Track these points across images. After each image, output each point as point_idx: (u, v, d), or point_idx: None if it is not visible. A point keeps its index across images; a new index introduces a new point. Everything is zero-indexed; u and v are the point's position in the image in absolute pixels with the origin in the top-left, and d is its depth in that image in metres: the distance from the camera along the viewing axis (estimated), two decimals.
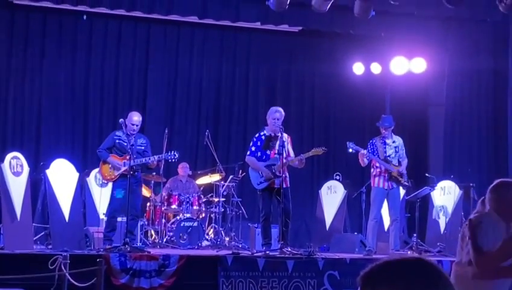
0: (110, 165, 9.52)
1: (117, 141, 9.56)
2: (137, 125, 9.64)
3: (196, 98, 13.36)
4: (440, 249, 10.21)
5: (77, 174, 9.61)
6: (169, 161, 9.89)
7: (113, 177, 9.53)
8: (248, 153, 9.60)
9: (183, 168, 11.88)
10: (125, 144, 9.41)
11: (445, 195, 10.94)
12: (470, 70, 12.87)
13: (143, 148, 9.68)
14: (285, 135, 9.47)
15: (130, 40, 13.04)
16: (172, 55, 13.28)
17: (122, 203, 9.36)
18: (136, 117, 9.69)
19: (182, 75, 13.31)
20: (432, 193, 10.92)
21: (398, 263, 1.77)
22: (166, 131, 10.49)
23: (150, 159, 9.48)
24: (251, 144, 9.62)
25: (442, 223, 10.78)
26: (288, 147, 9.55)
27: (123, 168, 9.37)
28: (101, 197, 10.77)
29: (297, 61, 13.80)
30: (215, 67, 13.50)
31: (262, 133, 9.59)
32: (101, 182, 10.76)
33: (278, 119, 9.41)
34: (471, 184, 11.14)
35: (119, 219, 9.71)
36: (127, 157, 9.29)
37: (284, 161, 9.15)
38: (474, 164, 12.71)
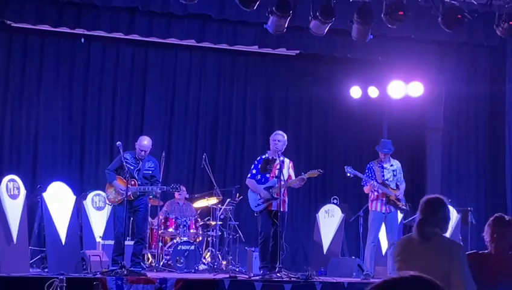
0: (114, 189, 9.57)
1: (124, 163, 9.59)
2: (145, 151, 9.69)
3: (193, 121, 13.41)
4: None
5: (74, 198, 9.64)
6: (172, 191, 9.96)
7: (116, 201, 9.59)
8: (249, 175, 9.74)
9: (180, 192, 11.90)
10: (132, 168, 9.43)
11: None
12: (467, 95, 12.95)
13: (150, 172, 9.72)
14: (286, 160, 9.60)
15: (127, 63, 13.12)
16: (169, 79, 13.36)
17: (127, 226, 9.41)
18: (145, 142, 9.74)
19: (179, 98, 13.37)
20: None
21: (396, 282, 1.76)
22: (164, 154, 10.54)
23: (153, 189, 9.49)
24: (252, 167, 9.75)
25: None
26: (290, 171, 9.67)
27: (122, 192, 9.39)
28: (98, 220, 10.79)
29: (294, 84, 13.87)
30: (213, 90, 13.57)
31: (263, 157, 9.73)
32: (98, 205, 10.79)
33: (278, 141, 9.54)
34: (469, 208, 11.19)
35: (126, 242, 9.73)
36: (132, 182, 9.34)
37: (282, 183, 9.21)
38: (472, 188, 12.76)
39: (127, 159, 9.60)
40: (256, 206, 9.48)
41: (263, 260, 9.47)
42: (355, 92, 13.33)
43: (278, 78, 13.88)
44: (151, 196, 10.60)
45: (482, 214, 11.82)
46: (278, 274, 8.85)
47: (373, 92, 13.27)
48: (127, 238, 10.05)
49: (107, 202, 10.07)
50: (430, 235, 4.35)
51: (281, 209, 9.26)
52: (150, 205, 11.16)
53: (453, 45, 12.62)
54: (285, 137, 9.71)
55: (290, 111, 13.96)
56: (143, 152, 9.66)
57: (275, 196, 9.33)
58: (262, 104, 13.85)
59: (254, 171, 9.65)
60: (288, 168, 9.58)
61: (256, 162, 9.72)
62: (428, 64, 12.92)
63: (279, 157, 9.39)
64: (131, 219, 10.29)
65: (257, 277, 8.82)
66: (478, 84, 12.84)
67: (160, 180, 10.23)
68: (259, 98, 13.84)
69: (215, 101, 13.60)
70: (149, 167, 9.74)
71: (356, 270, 10.10)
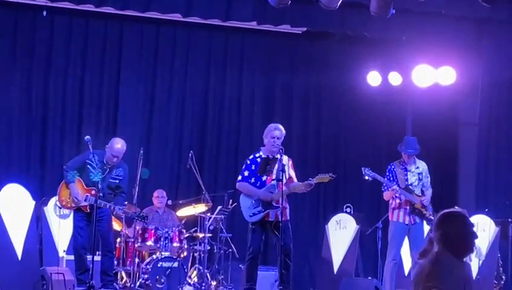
0: (70, 192, 9.49)
1: (88, 165, 9.52)
2: (118, 158, 9.60)
3: (178, 112, 13.39)
4: None
5: (33, 203, 9.63)
6: (137, 220, 9.90)
7: (69, 206, 9.54)
8: (239, 178, 9.62)
9: (158, 198, 11.90)
10: (95, 173, 9.32)
11: (478, 232, 10.90)
12: (508, 83, 12.93)
13: (117, 181, 9.63)
14: (285, 158, 9.49)
15: (98, 42, 13.08)
16: (149, 61, 13.32)
17: (89, 236, 9.34)
18: (118, 145, 9.63)
19: (161, 85, 13.34)
20: None
21: None
22: (142, 152, 10.50)
23: (114, 208, 9.38)
24: (243, 168, 9.65)
25: (475, 266, 10.78)
26: (290, 171, 9.57)
27: (82, 204, 9.33)
28: (62, 231, 10.74)
29: (300, 69, 13.85)
30: (201, 75, 13.54)
31: (257, 155, 9.62)
32: (61, 213, 10.74)
33: (277, 138, 9.44)
34: (509, 219, 11.18)
35: (89, 257, 9.66)
36: (92, 191, 9.30)
37: (284, 188, 9.17)
38: None
39: (92, 162, 9.49)
40: (251, 216, 9.40)
41: (249, 281, 9.42)
42: (373, 78, 13.32)
43: (280, 61, 13.86)
44: (125, 202, 10.58)
45: None
46: None
47: (395, 78, 13.25)
48: (97, 252, 10.00)
49: (58, 204, 10.00)
50: None
51: (283, 219, 9.21)
52: None
53: (493, 23, 12.60)
54: (283, 130, 9.63)
55: (294, 102, 13.94)
56: (115, 159, 9.58)
57: (274, 204, 9.29)
58: (260, 92, 13.83)
59: (246, 173, 9.57)
60: (288, 168, 9.52)
61: (248, 162, 9.63)
62: (462, 46, 12.90)
63: (281, 155, 9.33)
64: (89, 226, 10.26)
65: None
66: None
67: (126, 192, 10.11)
68: (257, 85, 13.82)
69: (204, 88, 13.57)
70: (117, 176, 9.66)
71: None
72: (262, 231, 9.40)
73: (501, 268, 10.84)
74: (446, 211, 4.57)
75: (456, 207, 4.74)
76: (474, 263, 10.84)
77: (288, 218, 9.47)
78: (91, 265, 9.16)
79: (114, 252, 10.05)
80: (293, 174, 9.65)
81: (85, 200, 9.34)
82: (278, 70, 13.84)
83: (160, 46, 13.40)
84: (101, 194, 9.21)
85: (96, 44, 13.07)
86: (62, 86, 12.84)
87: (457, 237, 4.45)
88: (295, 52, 13.85)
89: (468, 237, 4.48)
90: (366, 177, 9.93)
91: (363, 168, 9.95)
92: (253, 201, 9.37)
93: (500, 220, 11.09)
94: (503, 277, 10.81)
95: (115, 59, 13.16)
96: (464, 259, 4.47)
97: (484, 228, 10.91)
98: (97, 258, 9.72)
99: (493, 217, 10.98)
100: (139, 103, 13.23)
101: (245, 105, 13.75)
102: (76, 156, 10.09)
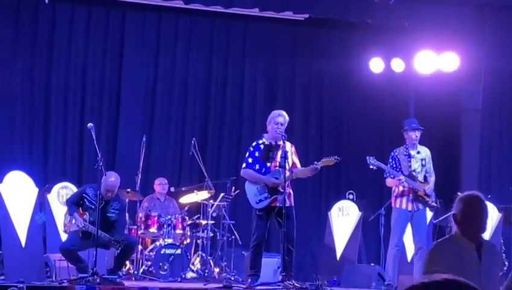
0: (75, 220, 9.47)
1: (85, 200, 9.51)
2: (112, 192, 9.53)
3: (180, 100, 13.39)
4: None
5: (36, 190, 9.62)
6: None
7: (69, 231, 9.54)
8: (244, 165, 9.62)
9: (160, 185, 11.90)
10: (93, 207, 9.30)
11: None
12: None
13: (114, 215, 9.59)
14: (288, 144, 9.50)
15: (100, 28, 13.08)
16: (151, 48, 13.32)
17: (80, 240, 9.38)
18: (112, 178, 9.45)
19: (163, 73, 13.33)
20: None
21: (425, 287, 1.74)
22: (144, 139, 10.52)
23: (110, 238, 9.30)
24: (247, 155, 9.64)
25: None
26: (294, 157, 9.58)
27: (81, 227, 9.33)
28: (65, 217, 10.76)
29: (303, 56, 13.84)
30: (204, 63, 13.54)
31: (260, 142, 9.62)
32: (64, 200, 10.75)
33: (281, 125, 9.44)
34: None
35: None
36: (84, 216, 9.33)
37: (288, 174, 9.18)
38: None
39: (88, 196, 9.48)
40: (258, 203, 9.39)
41: (253, 268, 9.43)
42: (375, 65, 13.30)
43: (283, 48, 13.84)
44: (128, 189, 10.60)
45: None
46: (283, 284, 8.85)
47: (397, 65, 13.24)
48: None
49: (62, 227, 9.95)
50: None
51: (287, 204, 9.21)
52: (127, 199, 11.17)
53: (496, 8, 12.57)
54: (287, 116, 9.63)
55: (297, 89, 13.92)
56: (109, 193, 9.52)
57: (280, 190, 9.29)
58: (263, 79, 13.83)
59: (250, 160, 9.56)
60: (291, 154, 9.52)
61: (251, 149, 9.63)
62: (465, 32, 12.87)
63: (284, 141, 9.34)
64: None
65: (258, 287, 8.83)
66: None
67: (127, 220, 10.10)
68: (259, 72, 13.81)
69: (206, 76, 13.56)
70: (113, 210, 9.59)
71: (376, 280, 10.11)
72: (267, 218, 9.40)
73: (504, 254, 10.86)
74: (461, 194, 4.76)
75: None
76: None
77: (293, 204, 9.48)
78: (93, 257, 9.11)
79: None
80: (296, 160, 9.65)
81: (84, 226, 9.31)
82: (280, 57, 13.82)
83: (163, 34, 13.38)
84: (91, 219, 9.23)
85: (99, 32, 13.06)
86: (64, 73, 12.83)
87: (465, 217, 4.53)
88: (298, 38, 13.83)
89: (473, 217, 4.55)
90: (371, 167, 9.92)
91: (367, 157, 9.93)
92: (259, 187, 9.37)
93: (503, 206, 11.10)
94: (506, 263, 10.82)
95: (117, 47, 13.15)
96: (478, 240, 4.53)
97: None
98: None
99: (496, 203, 10.99)
100: (141, 91, 13.23)
101: (247, 92, 13.75)
102: (74, 192, 10.06)
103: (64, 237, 10.50)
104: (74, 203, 9.54)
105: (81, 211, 9.46)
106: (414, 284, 1.76)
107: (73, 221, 9.40)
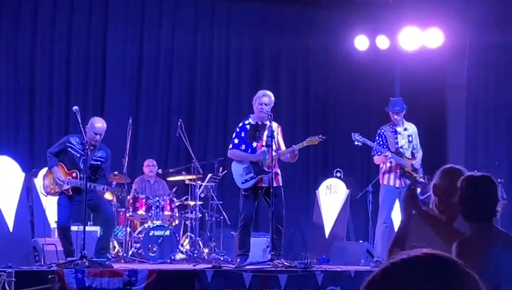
0: (53, 176, 9.40)
1: (69, 149, 9.42)
2: (100, 135, 9.46)
3: (166, 80, 13.34)
4: None
5: (23, 175, 9.57)
6: (119, 196, 9.82)
7: (53, 192, 9.45)
8: (230, 146, 9.61)
9: (148, 167, 11.87)
10: (78, 155, 9.24)
11: None
12: (496, 45, 12.91)
13: (99, 163, 9.49)
14: (274, 124, 9.48)
15: (84, 7, 12.98)
16: (136, 27, 13.25)
17: (71, 213, 9.32)
18: (99, 124, 9.43)
19: (148, 52, 13.27)
20: None
21: (405, 264, 1.69)
22: (130, 121, 10.46)
23: (96, 186, 9.27)
24: (234, 136, 9.63)
25: None
26: (279, 138, 9.56)
27: (65, 187, 9.27)
28: (52, 202, 10.70)
29: (288, 33, 13.79)
30: (189, 42, 13.48)
31: (247, 122, 9.59)
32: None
33: (266, 105, 9.41)
34: (499, 180, 11.14)
35: (74, 228, 9.59)
36: (73, 174, 9.23)
37: (274, 154, 9.16)
38: (502, 156, 12.78)
39: (73, 145, 9.39)
40: (243, 183, 9.39)
41: (242, 248, 9.43)
42: (360, 42, 13.27)
43: (268, 26, 13.78)
44: (115, 171, 10.54)
45: None
46: (272, 263, 8.84)
47: (382, 42, 13.22)
48: (89, 223, 9.98)
49: (43, 192, 9.87)
50: None
51: (274, 184, 9.21)
52: (115, 182, 11.12)
53: None
54: (272, 96, 9.60)
55: (282, 66, 13.91)
56: (98, 136, 9.41)
57: (266, 170, 9.28)
58: (248, 58, 13.80)
59: (237, 141, 9.54)
60: (277, 134, 9.50)
61: (238, 130, 9.60)
62: (449, 8, 12.86)
63: (270, 121, 9.32)
64: (91, 215, 10.24)
65: (246, 266, 8.81)
66: (510, 33, 12.78)
67: (107, 175, 10.00)
68: (245, 50, 13.77)
69: (191, 55, 13.52)
70: (99, 157, 9.50)
71: (365, 257, 10.12)
72: (254, 198, 9.40)
73: None
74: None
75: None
76: None
77: (281, 184, 9.47)
78: (81, 241, 9.07)
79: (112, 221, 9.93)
80: (281, 141, 9.64)
81: (67, 184, 9.26)
82: (265, 36, 13.78)
83: (147, 12, 13.31)
84: (81, 175, 9.14)
85: (82, 10, 12.96)
86: (48, 55, 12.74)
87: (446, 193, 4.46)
88: (282, 17, 13.77)
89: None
90: (356, 143, 9.93)
91: (352, 134, 9.94)
92: (245, 168, 9.36)
93: None
94: None
95: (101, 26, 13.05)
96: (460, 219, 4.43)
97: None
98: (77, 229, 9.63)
99: None
100: (126, 71, 13.17)
101: (233, 71, 13.72)
102: (58, 142, 9.97)
103: (51, 218, 10.49)
104: (55, 154, 9.46)
105: (67, 171, 9.36)
106: (393, 261, 1.71)
107: (52, 181, 9.33)
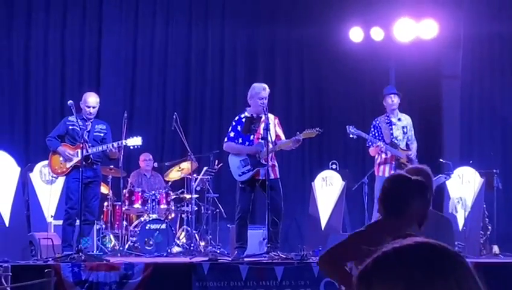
0: (60, 156, 9.45)
1: (70, 127, 9.48)
2: (94, 107, 9.56)
3: (161, 73, 13.33)
4: (459, 249, 10.28)
5: (18, 169, 9.55)
6: (132, 148, 9.87)
7: (64, 170, 9.47)
8: (226, 139, 9.62)
9: (145, 160, 11.87)
10: (79, 129, 9.34)
11: (463, 184, 11.00)
12: (491, 35, 12.91)
13: (102, 134, 9.61)
14: (271, 116, 9.48)
15: (78, 0, 12.95)
16: (130, 20, 13.23)
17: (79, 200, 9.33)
18: (92, 98, 9.62)
19: (142, 44, 13.26)
20: (447, 182, 10.99)
21: (398, 253, 1.70)
22: (126, 114, 10.44)
23: (108, 146, 9.42)
24: (230, 129, 9.63)
25: (461, 217, 10.85)
26: (277, 129, 9.57)
27: (75, 159, 9.30)
28: (48, 196, 10.70)
29: (282, 25, 13.77)
30: (183, 33, 13.46)
31: (243, 116, 9.59)
32: (47, 179, 10.70)
33: (265, 99, 9.41)
34: (494, 170, 11.22)
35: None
36: (81, 146, 9.24)
37: (271, 146, 9.17)
38: (498, 147, 12.79)
39: (72, 122, 9.46)
40: (240, 175, 9.40)
41: (239, 240, 9.45)
42: (355, 34, 13.27)
43: (263, 17, 13.76)
44: (111, 165, 10.56)
45: (510, 177, 11.86)
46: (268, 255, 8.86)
47: (377, 33, 13.21)
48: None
49: (52, 174, 9.92)
50: None
51: (272, 177, 9.22)
52: (111, 176, 11.15)
53: None
54: (268, 88, 9.60)
55: (276, 59, 13.89)
56: (91, 108, 9.52)
57: (263, 162, 9.28)
58: (243, 50, 13.78)
59: (232, 134, 9.54)
60: (274, 126, 9.51)
61: (234, 123, 9.60)
62: None
63: (265, 114, 9.31)
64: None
65: (242, 259, 8.84)
66: (504, 23, 12.78)
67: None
68: (239, 42, 13.76)
69: (186, 47, 13.51)
70: (100, 129, 9.62)
71: None
72: (251, 190, 9.41)
73: (487, 219, 10.90)
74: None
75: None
76: (460, 215, 10.91)
77: (278, 176, 9.48)
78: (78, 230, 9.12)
79: (93, 221, 9.95)
80: (280, 132, 9.64)
81: (77, 155, 9.31)
82: (260, 27, 13.76)
83: (141, 4, 13.31)
84: (89, 144, 9.24)
85: (77, 4, 12.94)
86: (43, 49, 12.74)
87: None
88: (278, 8, 13.77)
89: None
90: (351, 136, 9.94)
91: (347, 126, 9.95)
92: (242, 160, 9.37)
93: (485, 171, 11.13)
94: (489, 227, 10.88)
95: (95, 20, 13.03)
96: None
97: (469, 180, 10.96)
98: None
99: (478, 169, 11.02)
100: (121, 64, 13.17)
101: (228, 63, 13.72)
102: (56, 127, 10.00)
103: (47, 213, 10.48)
104: (56, 137, 9.52)
105: (72, 147, 9.42)
106: (385, 250, 1.71)
107: (62, 159, 9.40)
